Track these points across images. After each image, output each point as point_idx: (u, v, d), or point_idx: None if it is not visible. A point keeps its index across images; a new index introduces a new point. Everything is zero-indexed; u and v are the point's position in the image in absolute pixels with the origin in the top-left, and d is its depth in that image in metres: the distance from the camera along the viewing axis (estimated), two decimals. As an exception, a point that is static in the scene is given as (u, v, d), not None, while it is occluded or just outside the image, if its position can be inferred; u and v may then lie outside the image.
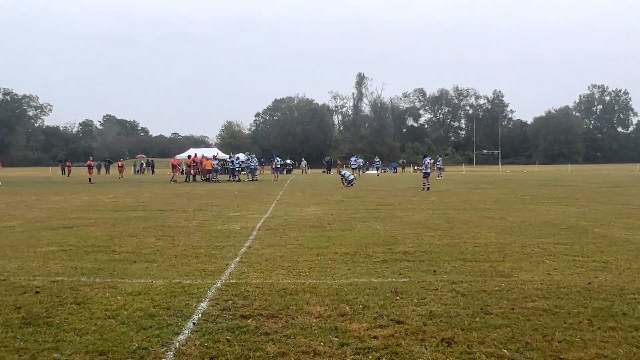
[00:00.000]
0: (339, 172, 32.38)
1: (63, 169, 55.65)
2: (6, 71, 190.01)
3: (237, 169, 36.38)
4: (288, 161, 62.22)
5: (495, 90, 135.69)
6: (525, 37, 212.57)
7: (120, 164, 49.52)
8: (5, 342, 4.26)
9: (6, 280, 6.37)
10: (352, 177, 28.88)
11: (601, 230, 10.38)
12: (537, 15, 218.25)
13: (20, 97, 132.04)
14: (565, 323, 4.67)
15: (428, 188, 23.75)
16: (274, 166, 40.64)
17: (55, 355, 4.01)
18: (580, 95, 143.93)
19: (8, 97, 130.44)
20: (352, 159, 46.59)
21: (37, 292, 5.74)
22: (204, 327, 4.61)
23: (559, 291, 5.73)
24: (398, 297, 5.52)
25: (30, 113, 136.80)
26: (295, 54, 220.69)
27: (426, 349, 4.10)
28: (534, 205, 15.74)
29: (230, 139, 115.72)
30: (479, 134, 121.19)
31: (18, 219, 13.00)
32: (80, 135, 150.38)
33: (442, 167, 43.65)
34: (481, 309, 5.10)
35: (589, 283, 6.08)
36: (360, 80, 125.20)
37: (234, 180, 34.87)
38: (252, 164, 38.79)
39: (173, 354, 4.03)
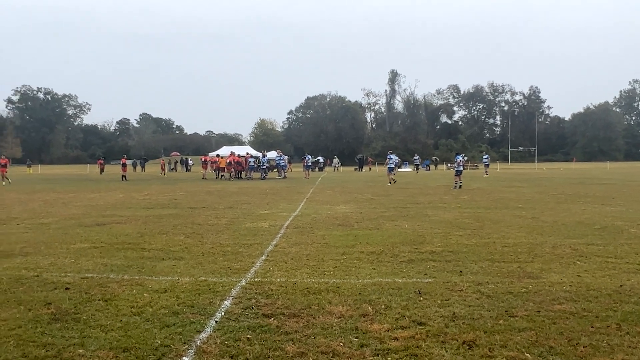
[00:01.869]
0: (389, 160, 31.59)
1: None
2: (47, 71, 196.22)
3: (264, 167, 36.52)
4: (320, 159, 62.18)
5: (531, 86, 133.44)
6: (563, 32, 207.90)
7: (162, 162, 52.14)
8: (34, 337, 4.39)
9: (39, 276, 6.56)
10: (392, 166, 30.47)
11: (637, 231, 10.06)
12: (576, 11, 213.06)
13: (60, 96, 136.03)
14: (592, 327, 4.54)
15: (460, 186, 23.44)
16: (305, 164, 40.76)
17: (81, 351, 4.11)
18: (620, 91, 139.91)
19: (49, 97, 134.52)
20: (392, 156, 47.09)
21: (67, 289, 5.89)
22: (225, 326, 4.66)
23: (588, 294, 5.58)
24: (421, 298, 5.47)
25: (70, 112, 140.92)
26: (328, 52, 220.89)
27: (446, 351, 4.05)
28: (568, 205, 15.37)
29: (263, 137, 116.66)
30: (515, 131, 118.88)
31: (54, 215, 13.37)
32: (118, 133, 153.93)
33: (488, 164, 44.00)
34: (506, 311, 5.00)
35: (621, 286, 5.91)
36: (393, 77, 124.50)
37: (262, 178, 35.06)
38: (282, 162, 39.01)
39: (194, 352, 4.08)
